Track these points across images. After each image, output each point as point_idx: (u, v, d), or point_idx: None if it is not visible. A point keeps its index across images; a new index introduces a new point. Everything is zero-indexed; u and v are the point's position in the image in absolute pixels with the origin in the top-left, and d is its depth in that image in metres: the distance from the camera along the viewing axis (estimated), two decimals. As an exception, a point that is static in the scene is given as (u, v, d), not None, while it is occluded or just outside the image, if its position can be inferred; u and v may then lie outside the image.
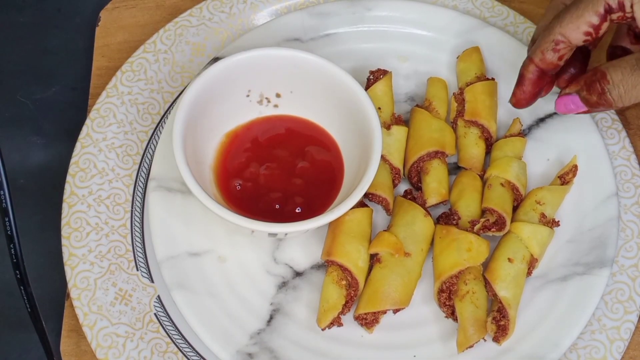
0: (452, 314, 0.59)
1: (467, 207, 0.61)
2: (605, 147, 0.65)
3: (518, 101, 0.58)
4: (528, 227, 0.59)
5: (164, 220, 0.61)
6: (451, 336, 0.59)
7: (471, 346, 0.57)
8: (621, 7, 0.50)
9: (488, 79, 0.66)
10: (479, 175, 0.63)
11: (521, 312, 0.59)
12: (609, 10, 0.50)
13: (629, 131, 0.68)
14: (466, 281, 0.58)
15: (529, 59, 0.56)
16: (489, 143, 0.65)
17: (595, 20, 0.51)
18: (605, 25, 0.51)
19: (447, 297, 0.58)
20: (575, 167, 0.63)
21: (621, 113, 0.69)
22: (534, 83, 0.57)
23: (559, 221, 0.62)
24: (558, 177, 0.63)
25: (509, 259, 0.59)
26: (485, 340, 0.58)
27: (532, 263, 0.60)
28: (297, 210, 0.60)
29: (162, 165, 0.62)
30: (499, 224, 0.60)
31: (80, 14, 0.76)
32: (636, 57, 0.52)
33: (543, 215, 0.61)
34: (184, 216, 0.61)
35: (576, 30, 0.52)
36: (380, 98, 0.65)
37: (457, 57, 0.69)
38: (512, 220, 0.61)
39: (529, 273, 0.60)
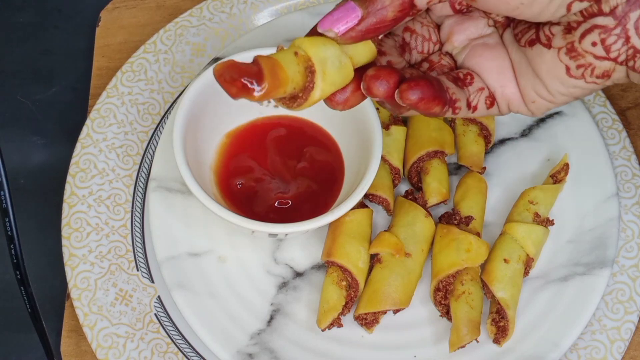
0: (446, 313, 0.59)
1: (470, 208, 0.61)
2: (606, 147, 0.65)
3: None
4: (522, 227, 0.59)
5: (164, 220, 0.61)
6: (451, 336, 0.59)
7: (463, 346, 0.57)
8: None
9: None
10: (479, 172, 0.63)
11: (521, 313, 0.59)
12: None
13: (630, 131, 0.68)
14: (463, 281, 0.58)
15: None
16: (488, 140, 0.65)
17: None
18: None
19: (443, 296, 0.58)
20: (567, 165, 0.63)
21: (621, 113, 0.69)
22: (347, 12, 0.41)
23: (553, 220, 0.62)
24: (550, 176, 0.63)
25: (505, 260, 0.59)
26: (477, 341, 0.58)
27: (528, 263, 0.60)
28: (297, 211, 0.60)
29: (162, 166, 0.62)
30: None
31: (81, 14, 0.76)
32: None
33: (537, 214, 0.61)
34: (185, 216, 0.61)
35: None
36: (379, 98, 0.64)
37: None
38: (506, 221, 0.61)
39: (526, 273, 0.60)
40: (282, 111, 0.64)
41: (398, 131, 0.64)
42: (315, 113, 0.63)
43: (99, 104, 0.67)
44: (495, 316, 0.58)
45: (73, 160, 0.65)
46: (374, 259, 0.60)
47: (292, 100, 0.42)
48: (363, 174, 0.57)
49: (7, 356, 0.63)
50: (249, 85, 0.38)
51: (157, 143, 0.65)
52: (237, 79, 0.37)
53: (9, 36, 0.75)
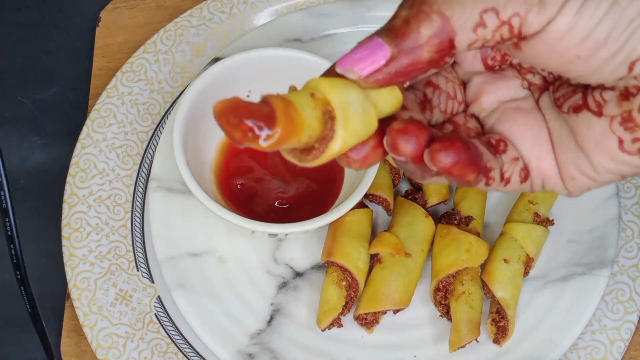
0: (446, 313, 0.59)
1: (470, 208, 0.61)
2: (606, 148, 0.64)
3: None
4: (522, 227, 0.59)
5: (165, 220, 0.61)
6: (451, 336, 0.59)
7: (463, 346, 0.57)
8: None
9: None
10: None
11: (521, 313, 0.59)
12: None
13: (630, 131, 0.68)
14: (463, 281, 0.58)
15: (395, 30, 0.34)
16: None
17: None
18: (497, 35, 0.35)
19: (443, 296, 0.58)
20: None
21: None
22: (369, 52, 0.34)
23: (553, 220, 0.62)
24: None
25: (505, 260, 0.58)
26: (477, 341, 0.58)
27: (528, 263, 0.60)
28: (297, 211, 0.59)
29: (162, 166, 0.62)
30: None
31: (81, 14, 0.76)
32: None
33: (537, 214, 0.61)
34: (185, 216, 0.61)
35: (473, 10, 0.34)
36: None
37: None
38: (506, 221, 0.61)
39: (526, 273, 0.60)
40: (282, 111, 0.63)
41: (398, 131, 0.64)
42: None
43: (99, 104, 0.67)
44: (495, 316, 0.58)
45: (73, 161, 0.65)
46: (374, 259, 0.60)
47: (306, 152, 0.34)
48: (363, 174, 0.57)
49: (7, 356, 0.63)
50: (257, 130, 0.30)
51: (157, 143, 0.65)
52: (242, 121, 0.30)
53: (9, 36, 0.75)
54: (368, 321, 0.58)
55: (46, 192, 0.68)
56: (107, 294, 0.61)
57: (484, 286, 0.59)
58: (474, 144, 0.38)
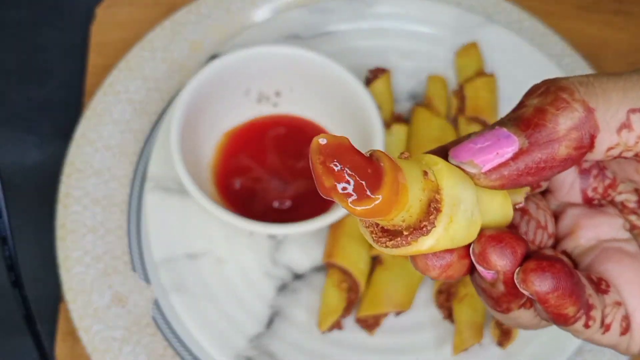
0: (449, 315, 0.58)
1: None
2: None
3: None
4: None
5: (161, 221, 0.60)
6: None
7: (466, 349, 0.56)
8: None
9: (487, 75, 0.66)
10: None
11: (526, 315, 0.59)
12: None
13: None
14: (466, 284, 0.57)
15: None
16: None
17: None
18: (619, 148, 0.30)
19: (446, 298, 0.58)
20: None
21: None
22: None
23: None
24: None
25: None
26: (480, 344, 0.57)
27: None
28: (296, 212, 0.59)
29: (159, 165, 0.62)
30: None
31: (76, 10, 0.75)
32: None
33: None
34: (182, 217, 0.61)
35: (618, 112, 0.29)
36: (379, 96, 0.64)
37: (455, 53, 0.69)
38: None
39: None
40: (282, 110, 0.63)
41: (399, 130, 0.63)
42: (315, 111, 0.63)
43: (94, 102, 0.66)
44: (499, 319, 0.57)
45: (68, 160, 0.64)
46: (375, 261, 0.59)
47: (388, 235, 0.29)
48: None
49: (0, 360, 0.62)
50: (354, 187, 0.26)
51: (154, 142, 0.64)
52: (342, 169, 0.26)
53: (3, 33, 0.74)
54: (369, 324, 0.58)
55: (41, 192, 0.67)
56: (103, 297, 0.60)
57: (488, 288, 0.58)
58: (577, 273, 0.31)
